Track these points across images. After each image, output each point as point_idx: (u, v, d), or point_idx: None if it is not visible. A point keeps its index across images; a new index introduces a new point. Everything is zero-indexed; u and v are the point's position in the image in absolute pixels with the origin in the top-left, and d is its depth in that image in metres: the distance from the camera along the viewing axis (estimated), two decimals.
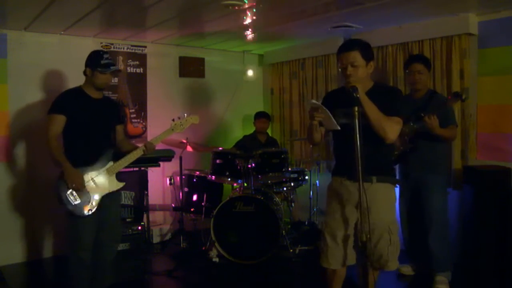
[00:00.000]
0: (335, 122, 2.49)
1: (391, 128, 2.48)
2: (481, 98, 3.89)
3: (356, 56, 2.52)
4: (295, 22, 4.18)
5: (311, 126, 2.63)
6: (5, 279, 3.82)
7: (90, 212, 3.01)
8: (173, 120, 3.36)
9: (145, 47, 5.05)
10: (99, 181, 3.07)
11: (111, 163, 3.14)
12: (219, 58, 5.65)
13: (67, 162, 2.98)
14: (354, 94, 2.34)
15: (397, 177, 4.16)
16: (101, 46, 4.72)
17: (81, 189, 2.98)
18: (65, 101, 3.09)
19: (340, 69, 2.62)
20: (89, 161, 3.06)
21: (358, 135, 2.31)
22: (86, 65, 3.12)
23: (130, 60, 4.97)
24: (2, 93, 4.16)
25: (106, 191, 3.10)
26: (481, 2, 3.62)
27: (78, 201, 2.98)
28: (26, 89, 4.25)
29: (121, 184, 3.18)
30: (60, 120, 3.04)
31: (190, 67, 5.37)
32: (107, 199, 3.11)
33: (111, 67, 3.12)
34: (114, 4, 3.46)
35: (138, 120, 5.04)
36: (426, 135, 3.38)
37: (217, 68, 5.62)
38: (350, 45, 2.58)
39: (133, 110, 5.00)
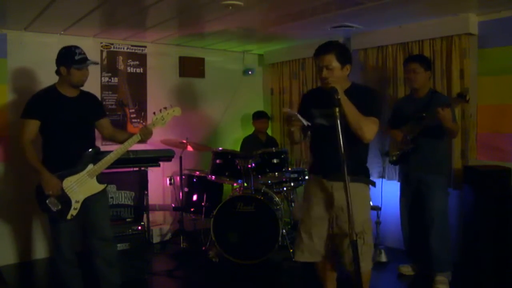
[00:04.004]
0: (308, 123, 2.59)
1: (369, 128, 2.53)
2: (481, 98, 3.89)
3: (331, 60, 2.58)
4: (295, 22, 4.17)
5: (290, 132, 2.74)
6: (5, 279, 3.82)
7: (71, 217, 2.95)
8: (154, 113, 3.13)
9: (145, 47, 5.05)
10: (79, 185, 2.97)
11: (91, 166, 3.00)
12: (219, 58, 5.65)
13: (43, 168, 2.90)
14: (335, 96, 2.37)
15: (397, 178, 4.20)
16: (101, 46, 4.73)
17: (59, 195, 2.91)
18: (38, 104, 2.96)
19: (317, 71, 2.69)
20: (67, 164, 2.95)
21: (340, 136, 2.32)
22: (59, 63, 2.96)
23: (130, 60, 4.97)
24: (2, 93, 4.17)
25: (88, 194, 2.99)
26: (481, 2, 3.62)
27: (58, 207, 2.92)
28: (26, 89, 4.24)
29: (102, 186, 3.06)
30: (33, 125, 2.93)
31: (190, 67, 5.37)
32: (90, 201, 3.02)
33: (87, 62, 2.98)
34: (114, 4, 3.46)
35: (138, 120, 5.04)
36: (431, 133, 3.38)
37: (217, 68, 5.62)
38: (325, 48, 2.62)
39: (133, 110, 5.00)
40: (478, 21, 3.86)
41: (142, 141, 3.12)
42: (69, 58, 2.94)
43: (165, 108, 3.15)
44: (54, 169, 2.93)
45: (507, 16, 3.68)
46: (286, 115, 2.61)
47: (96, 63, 3.09)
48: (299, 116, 2.53)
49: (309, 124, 2.57)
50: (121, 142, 3.12)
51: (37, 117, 2.94)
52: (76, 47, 3.00)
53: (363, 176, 2.70)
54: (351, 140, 2.45)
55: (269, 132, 5.56)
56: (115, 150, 3.05)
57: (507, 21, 3.68)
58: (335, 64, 2.57)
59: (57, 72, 3.01)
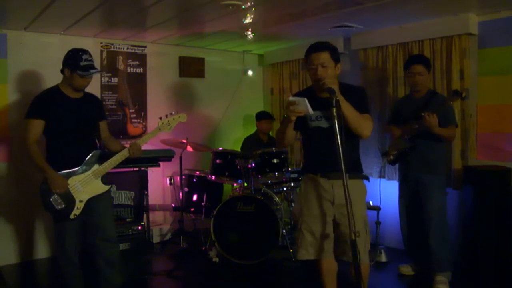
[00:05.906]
0: (312, 112, 2.47)
1: (367, 126, 2.61)
2: (481, 98, 3.89)
3: (326, 57, 2.59)
4: (295, 22, 4.18)
5: (285, 124, 2.62)
6: (5, 279, 3.82)
7: (74, 216, 2.96)
8: (160, 118, 3.21)
9: (145, 47, 5.05)
10: (84, 185, 2.98)
11: (96, 166, 3.03)
12: (219, 58, 5.66)
13: (49, 167, 2.91)
14: (334, 97, 2.37)
15: (398, 178, 4.20)
16: (101, 46, 4.73)
17: (64, 193, 2.92)
18: (42, 104, 2.98)
19: (309, 70, 2.67)
20: (73, 164, 2.97)
21: (341, 137, 2.33)
22: (64, 64, 2.98)
23: (130, 60, 4.97)
24: (2, 93, 4.17)
25: (92, 195, 3.01)
26: (481, 2, 3.62)
27: (62, 206, 2.93)
28: (26, 89, 4.24)
29: (106, 187, 3.09)
30: (37, 125, 2.94)
31: (190, 67, 5.37)
32: (94, 202, 3.03)
33: (91, 71, 2.98)
34: (114, 4, 3.46)
35: (138, 120, 5.04)
36: (426, 134, 3.39)
37: (217, 68, 5.62)
38: (320, 46, 2.63)
39: (133, 110, 5.00)
40: (478, 21, 3.86)
41: (131, 157, 3.13)
42: (74, 62, 2.94)
43: (171, 113, 3.21)
44: (57, 169, 2.94)
45: (507, 16, 3.68)
46: (288, 102, 2.48)
47: (99, 72, 3.09)
48: (306, 101, 2.41)
49: (312, 112, 2.51)
50: (111, 151, 3.16)
51: (41, 117, 2.96)
52: (84, 52, 2.99)
53: (360, 172, 2.76)
54: (346, 138, 2.46)
55: (270, 132, 5.57)
56: (117, 155, 3.07)
57: (507, 21, 3.68)
58: (329, 62, 2.59)
59: (61, 72, 3.03)
